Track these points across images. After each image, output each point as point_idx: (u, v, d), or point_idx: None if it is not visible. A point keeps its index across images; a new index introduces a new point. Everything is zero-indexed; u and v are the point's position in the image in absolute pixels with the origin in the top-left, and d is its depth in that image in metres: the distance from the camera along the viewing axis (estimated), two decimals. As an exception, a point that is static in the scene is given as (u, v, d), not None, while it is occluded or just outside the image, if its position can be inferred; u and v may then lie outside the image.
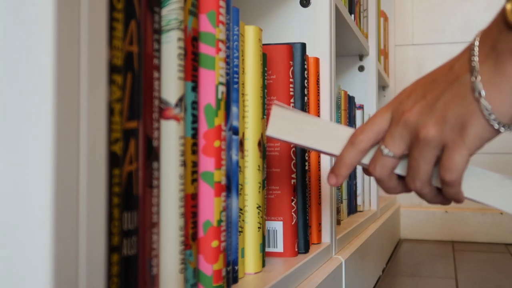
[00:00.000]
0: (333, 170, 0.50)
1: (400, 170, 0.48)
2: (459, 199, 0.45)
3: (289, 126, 0.50)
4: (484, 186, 0.45)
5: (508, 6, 0.39)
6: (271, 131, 0.50)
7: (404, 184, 0.49)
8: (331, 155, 0.51)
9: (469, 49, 0.43)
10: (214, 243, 0.47)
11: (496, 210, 1.78)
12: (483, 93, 0.40)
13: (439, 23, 1.97)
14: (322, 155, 0.82)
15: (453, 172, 0.42)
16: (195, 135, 0.45)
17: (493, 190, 0.45)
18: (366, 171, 0.50)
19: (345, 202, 1.14)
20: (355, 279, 0.91)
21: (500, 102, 0.40)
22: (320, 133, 0.50)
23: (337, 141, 0.50)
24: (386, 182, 0.48)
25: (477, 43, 0.42)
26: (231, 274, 0.52)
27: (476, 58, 0.41)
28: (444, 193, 0.45)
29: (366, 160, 0.49)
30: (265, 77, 0.64)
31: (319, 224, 0.80)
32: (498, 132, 0.41)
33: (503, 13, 0.39)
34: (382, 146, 0.47)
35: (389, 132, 0.46)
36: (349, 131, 0.50)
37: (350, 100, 1.19)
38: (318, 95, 0.80)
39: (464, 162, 0.42)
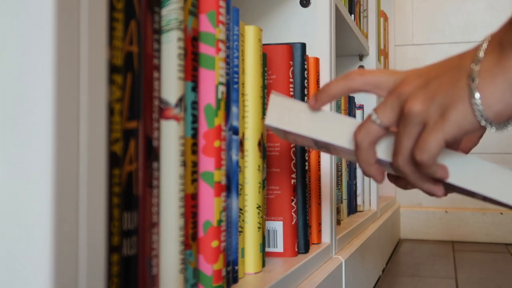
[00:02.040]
0: (315, 94, 0.50)
1: (382, 154, 0.48)
2: (439, 178, 0.44)
3: (287, 115, 0.50)
4: (477, 175, 0.45)
5: None
6: (270, 120, 0.50)
7: (380, 167, 0.48)
8: (328, 144, 0.51)
9: (481, 42, 0.42)
10: (214, 243, 0.47)
11: (496, 210, 1.78)
12: (476, 80, 0.39)
13: (439, 23, 1.97)
14: (322, 155, 0.82)
15: (424, 153, 0.42)
16: (195, 135, 0.45)
17: (486, 179, 0.45)
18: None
19: (345, 202, 1.14)
20: (355, 279, 0.91)
21: (490, 94, 0.39)
22: (318, 122, 0.50)
23: (335, 130, 0.50)
24: (364, 151, 0.47)
25: (489, 37, 0.42)
26: (231, 274, 0.52)
27: (482, 51, 0.41)
28: (421, 171, 0.45)
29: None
30: (265, 77, 0.64)
31: (319, 224, 0.80)
32: (479, 125, 0.40)
33: None
34: (372, 112, 0.46)
35: (384, 100, 0.46)
36: (348, 120, 0.50)
37: (350, 100, 1.19)
38: (318, 95, 0.80)
39: (437, 146, 0.41)
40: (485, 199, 0.46)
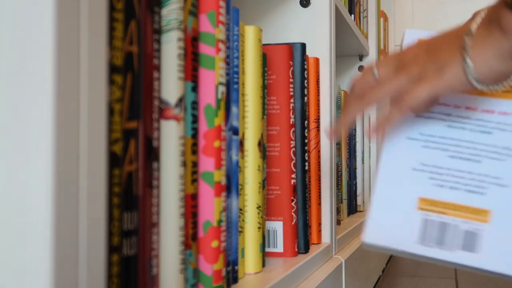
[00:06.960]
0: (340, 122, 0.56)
1: None
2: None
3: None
4: None
5: None
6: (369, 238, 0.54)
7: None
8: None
9: (475, 16, 0.48)
10: (214, 243, 0.47)
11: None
12: (469, 49, 0.45)
13: (439, 23, 1.97)
14: (322, 155, 0.82)
15: (412, 100, 0.47)
16: (195, 135, 0.45)
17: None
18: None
19: (345, 202, 1.14)
20: (355, 279, 0.91)
21: (480, 60, 0.45)
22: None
23: None
24: (354, 100, 0.53)
25: (482, 14, 0.47)
26: (231, 274, 0.52)
27: (476, 24, 0.46)
28: (390, 110, 0.51)
29: None
30: (265, 77, 0.64)
31: (319, 224, 0.80)
32: (468, 84, 0.46)
33: None
34: (374, 68, 0.51)
35: (386, 60, 0.52)
36: None
37: (350, 100, 1.19)
38: (318, 95, 0.80)
39: (424, 97, 0.47)
40: None
